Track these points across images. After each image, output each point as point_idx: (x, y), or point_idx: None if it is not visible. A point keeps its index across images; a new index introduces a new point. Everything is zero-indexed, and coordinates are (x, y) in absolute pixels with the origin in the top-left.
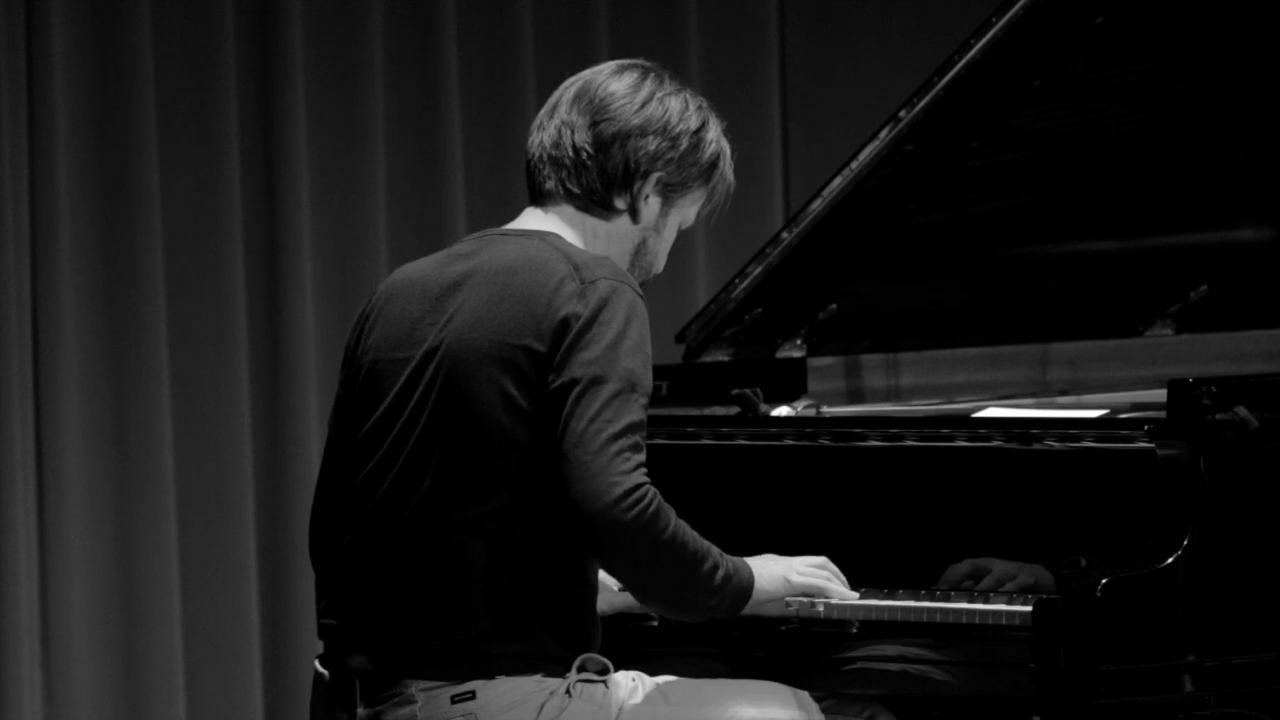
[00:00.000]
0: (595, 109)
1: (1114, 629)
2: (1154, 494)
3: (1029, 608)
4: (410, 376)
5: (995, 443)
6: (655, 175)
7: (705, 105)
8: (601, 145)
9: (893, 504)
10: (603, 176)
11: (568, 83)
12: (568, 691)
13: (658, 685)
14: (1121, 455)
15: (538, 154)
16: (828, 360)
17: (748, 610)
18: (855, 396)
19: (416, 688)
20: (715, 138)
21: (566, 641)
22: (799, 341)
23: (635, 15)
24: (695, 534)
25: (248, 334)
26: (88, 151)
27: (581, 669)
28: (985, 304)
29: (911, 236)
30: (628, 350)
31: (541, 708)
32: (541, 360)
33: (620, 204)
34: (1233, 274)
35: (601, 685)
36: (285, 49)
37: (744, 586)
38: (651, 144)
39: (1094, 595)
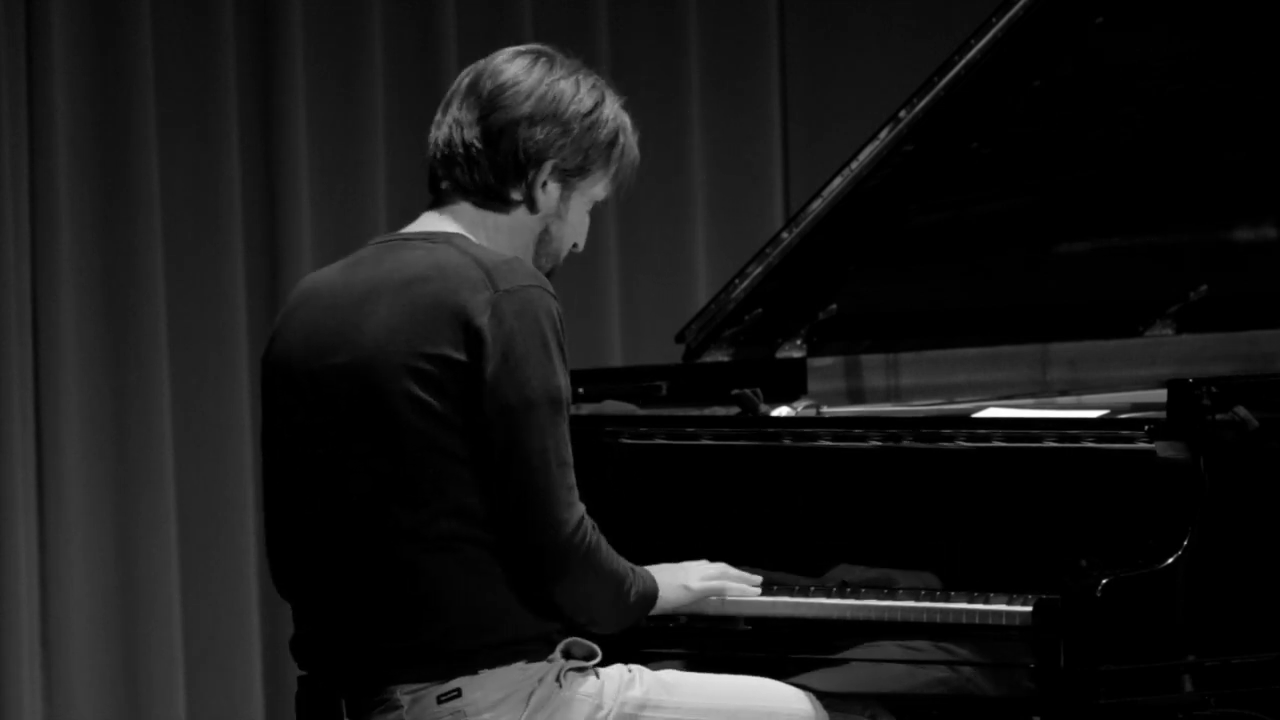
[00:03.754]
0: (484, 102)
1: (1114, 629)
2: (1154, 494)
3: (1029, 608)
4: (330, 390)
5: (995, 443)
6: (549, 163)
7: (600, 83)
8: (491, 138)
9: (893, 504)
10: (495, 170)
11: (462, 75)
12: (558, 680)
13: (660, 679)
14: (1121, 455)
15: (433, 153)
16: (828, 360)
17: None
18: (855, 396)
19: (400, 692)
20: (611, 116)
21: (538, 622)
22: (799, 341)
23: (635, 15)
24: (616, 553)
25: (248, 334)
26: (88, 151)
27: (568, 654)
28: (985, 304)
29: (911, 236)
30: (555, 366)
31: (530, 697)
32: (460, 369)
33: (516, 195)
34: (1233, 274)
35: (592, 676)
36: (285, 49)
37: (650, 598)
38: (540, 132)
39: (1094, 595)
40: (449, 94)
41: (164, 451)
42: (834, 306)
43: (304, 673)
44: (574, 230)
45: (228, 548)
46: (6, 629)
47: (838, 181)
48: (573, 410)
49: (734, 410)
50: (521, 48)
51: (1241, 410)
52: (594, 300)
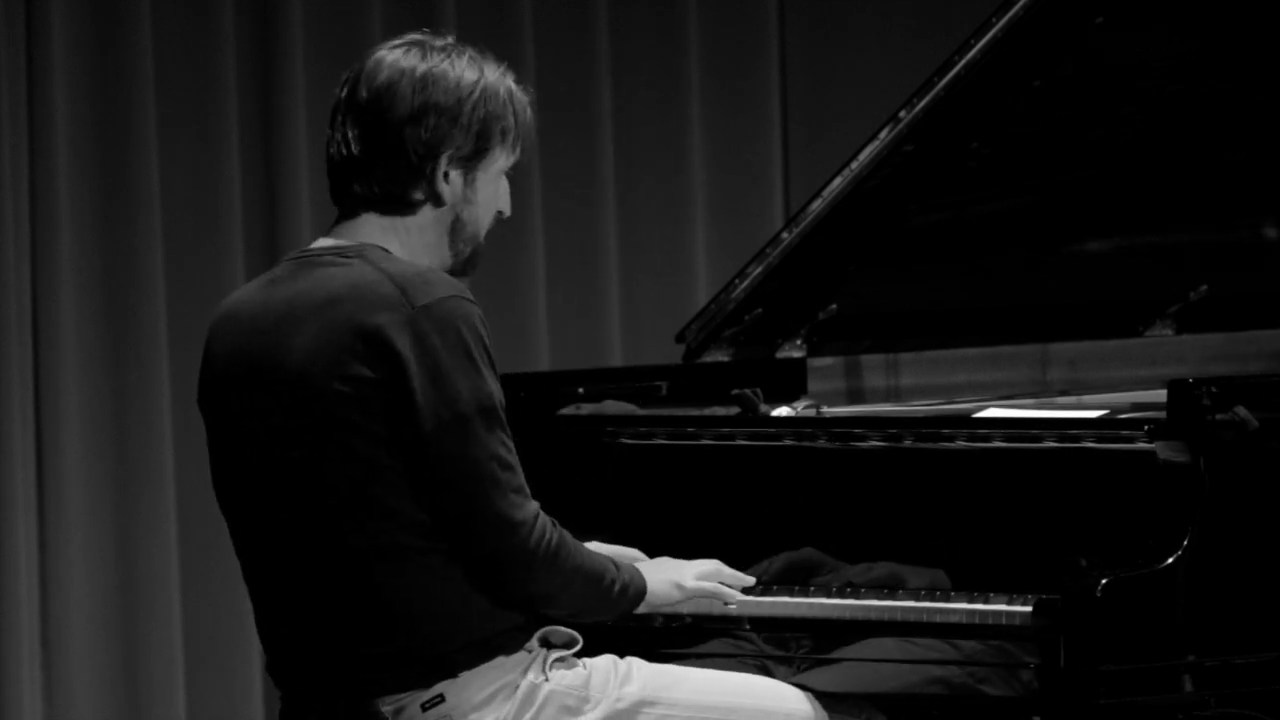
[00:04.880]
0: (364, 111)
1: (1114, 629)
2: (1154, 494)
3: (1029, 608)
4: (262, 417)
5: (995, 443)
6: (444, 155)
7: (477, 56)
8: (378, 146)
9: (893, 504)
10: (391, 176)
11: (341, 82)
12: (543, 671)
13: (658, 674)
14: (1121, 455)
15: (329, 169)
16: (828, 360)
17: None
18: (855, 396)
19: (383, 704)
20: (494, 86)
21: (507, 614)
22: (799, 342)
23: (635, 15)
24: (590, 551)
25: None
26: (88, 151)
27: (548, 644)
28: (985, 304)
29: (911, 236)
30: (484, 374)
31: (516, 691)
32: (381, 388)
33: (418, 195)
34: (1233, 274)
35: (579, 666)
36: (285, 49)
37: (639, 594)
38: (425, 129)
39: (1094, 595)
40: (333, 106)
41: (164, 451)
42: (834, 306)
43: (283, 693)
44: (487, 207)
45: (228, 548)
46: (6, 629)
47: (838, 181)
48: (572, 410)
49: (734, 410)
50: (395, 40)
51: (1241, 410)
52: (594, 300)
